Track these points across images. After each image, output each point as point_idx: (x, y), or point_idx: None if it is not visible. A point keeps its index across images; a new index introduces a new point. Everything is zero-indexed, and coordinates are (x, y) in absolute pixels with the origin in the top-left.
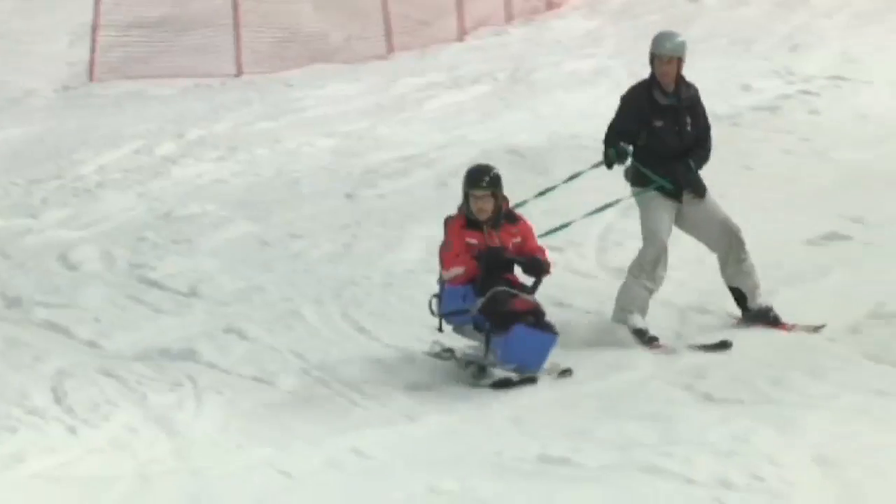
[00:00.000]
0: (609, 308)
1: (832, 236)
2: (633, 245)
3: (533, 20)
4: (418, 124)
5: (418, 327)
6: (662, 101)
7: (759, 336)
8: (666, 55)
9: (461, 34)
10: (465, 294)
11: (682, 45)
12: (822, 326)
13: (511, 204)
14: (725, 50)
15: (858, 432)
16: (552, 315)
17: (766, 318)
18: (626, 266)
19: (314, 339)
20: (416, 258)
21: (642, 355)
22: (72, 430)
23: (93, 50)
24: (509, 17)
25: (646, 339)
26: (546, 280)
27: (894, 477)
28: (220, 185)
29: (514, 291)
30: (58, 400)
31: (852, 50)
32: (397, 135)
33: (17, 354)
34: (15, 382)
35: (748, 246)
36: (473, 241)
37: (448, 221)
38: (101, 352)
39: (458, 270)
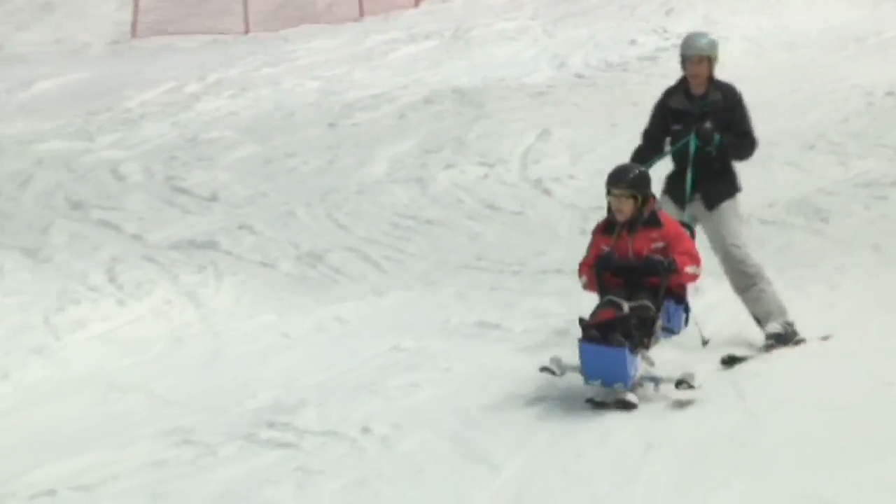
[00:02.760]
0: (531, 211)
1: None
2: (548, 162)
3: None
4: (383, 70)
5: (384, 224)
6: (679, 105)
7: None
8: (696, 55)
9: (417, 2)
10: None
11: (712, 44)
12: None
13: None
14: (616, 14)
15: None
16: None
17: (772, 342)
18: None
19: (305, 232)
20: (383, 171)
21: (557, 246)
22: (121, 303)
23: (135, 12)
24: None
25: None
26: (481, 188)
27: None
28: (232, 116)
29: (617, 301)
30: (111, 280)
31: (713, 13)
32: (367, 78)
33: (79, 245)
34: (78, 266)
35: (754, 271)
36: (608, 247)
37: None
38: (144, 243)
39: (584, 280)
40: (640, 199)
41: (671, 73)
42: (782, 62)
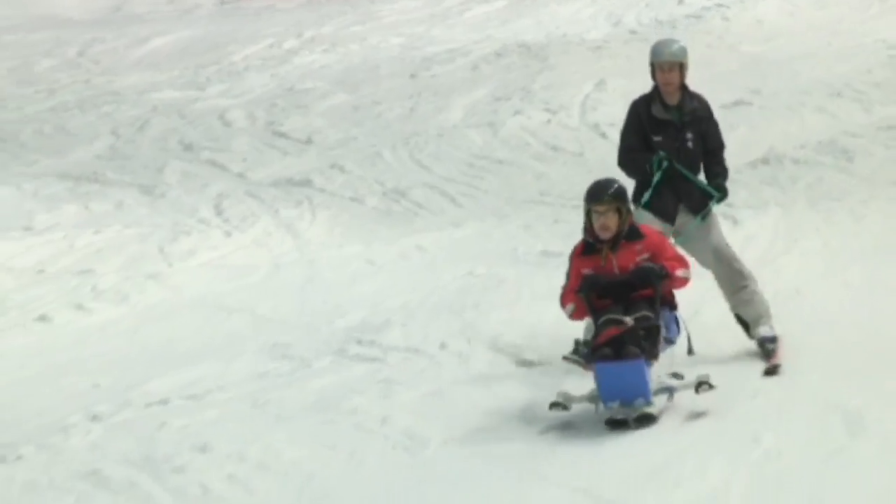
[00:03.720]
0: (589, 152)
1: (739, 102)
2: (604, 109)
3: None
4: (459, 28)
5: (460, 164)
6: (661, 115)
7: None
8: (667, 62)
9: None
10: None
11: (683, 50)
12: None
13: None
14: None
15: None
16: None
17: (761, 349)
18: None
19: (390, 171)
20: (458, 117)
21: None
22: (227, 234)
23: None
24: None
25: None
26: (545, 132)
27: None
28: (325, 68)
29: (617, 317)
30: (218, 213)
31: None
32: (444, 35)
33: (190, 183)
34: (189, 202)
35: (747, 271)
36: (589, 270)
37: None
38: (247, 180)
39: (570, 308)
40: (624, 211)
41: (713, 29)
42: (815, 19)
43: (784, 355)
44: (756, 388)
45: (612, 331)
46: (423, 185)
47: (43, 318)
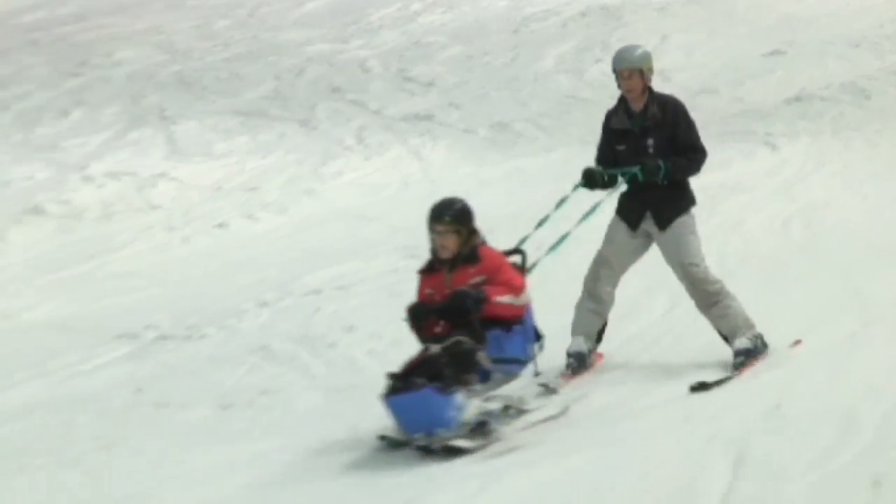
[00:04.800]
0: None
1: (775, 52)
2: (667, 58)
3: None
4: None
5: (552, 102)
6: (618, 125)
7: None
8: (626, 69)
9: None
10: None
11: (643, 57)
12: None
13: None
14: None
15: None
16: None
17: (733, 360)
18: (664, 68)
19: (496, 108)
20: (551, 65)
21: None
22: (367, 158)
23: None
24: None
25: (568, 363)
26: None
27: None
28: (444, 26)
29: (429, 345)
30: (359, 142)
31: None
32: None
33: (337, 118)
34: (336, 133)
35: (716, 288)
36: (430, 290)
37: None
38: (382, 116)
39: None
40: (464, 233)
41: None
42: None
43: (757, 369)
44: (794, 280)
45: (416, 360)
46: (522, 120)
47: (221, 226)
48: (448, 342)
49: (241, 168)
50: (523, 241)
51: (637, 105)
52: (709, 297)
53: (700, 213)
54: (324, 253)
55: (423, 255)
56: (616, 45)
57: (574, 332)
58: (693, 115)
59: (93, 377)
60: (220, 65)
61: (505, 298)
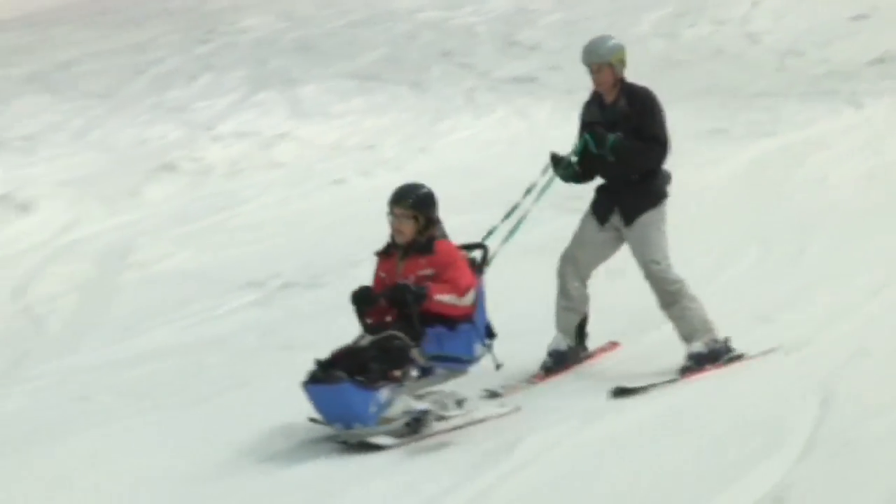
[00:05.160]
0: (748, 52)
1: (861, 16)
2: (757, 22)
3: None
4: None
5: (648, 64)
6: (589, 117)
7: None
8: (594, 64)
9: None
10: None
11: (611, 50)
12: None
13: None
14: None
15: None
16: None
17: (690, 365)
18: (755, 31)
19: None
20: (645, 29)
21: (763, 74)
22: (476, 117)
23: None
24: None
25: (543, 362)
26: (714, 39)
27: None
28: None
29: (363, 335)
30: (469, 102)
31: None
32: None
33: (447, 79)
34: (447, 93)
35: (676, 288)
36: (385, 274)
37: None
38: (490, 78)
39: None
40: (421, 220)
41: None
42: None
43: (706, 376)
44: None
45: (340, 351)
46: None
47: (339, 182)
48: (380, 336)
49: (358, 128)
50: (490, 232)
51: (609, 98)
52: (668, 297)
53: (785, 169)
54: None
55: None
56: (710, 11)
57: (556, 329)
58: (780, 75)
59: (222, 322)
60: (337, 31)
61: (446, 298)
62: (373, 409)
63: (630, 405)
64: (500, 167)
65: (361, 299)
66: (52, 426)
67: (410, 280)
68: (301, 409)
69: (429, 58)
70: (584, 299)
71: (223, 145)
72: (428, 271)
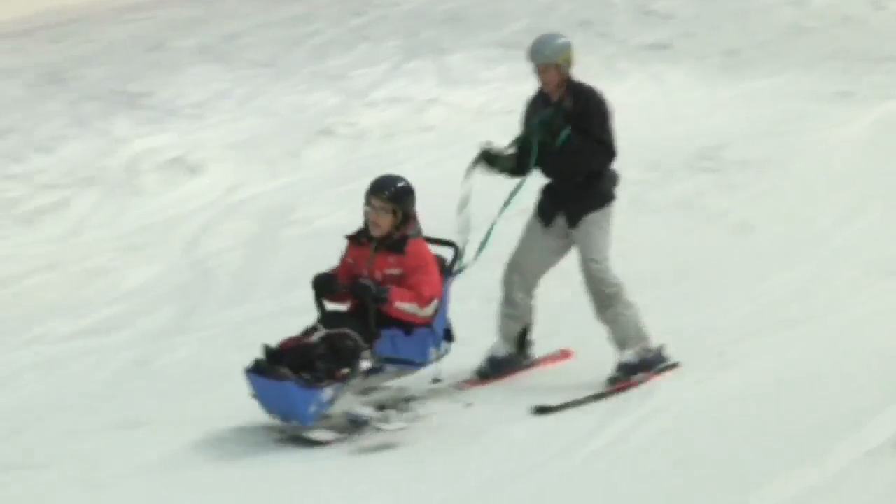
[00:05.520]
0: (871, 19)
1: None
2: None
3: None
4: None
5: (776, 32)
6: (531, 115)
7: None
8: (540, 64)
9: None
10: None
11: (557, 50)
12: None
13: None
14: None
15: None
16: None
17: (618, 376)
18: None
19: (726, 37)
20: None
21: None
22: (613, 83)
23: None
24: None
25: (480, 368)
26: (837, 7)
27: None
28: None
29: (317, 326)
30: (607, 69)
31: None
32: None
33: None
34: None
35: (613, 291)
36: (353, 261)
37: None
38: (627, 45)
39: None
40: (399, 215)
41: None
42: None
43: (636, 388)
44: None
45: (295, 340)
46: (750, 47)
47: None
48: (333, 332)
49: (502, 93)
50: (488, 235)
51: (555, 96)
52: (604, 300)
53: None
54: None
55: (665, 170)
56: None
57: (497, 335)
58: None
59: None
60: (484, 2)
61: (407, 306)
62: (313, 408)
63: (741, 365)
64: (636, 129)
65: (322, 286)
66: (221, 371)
67: (378, 277)
68: None
69: (568, 27)
70: (529, 310)
71: (377, 111)
72: (396, 271)
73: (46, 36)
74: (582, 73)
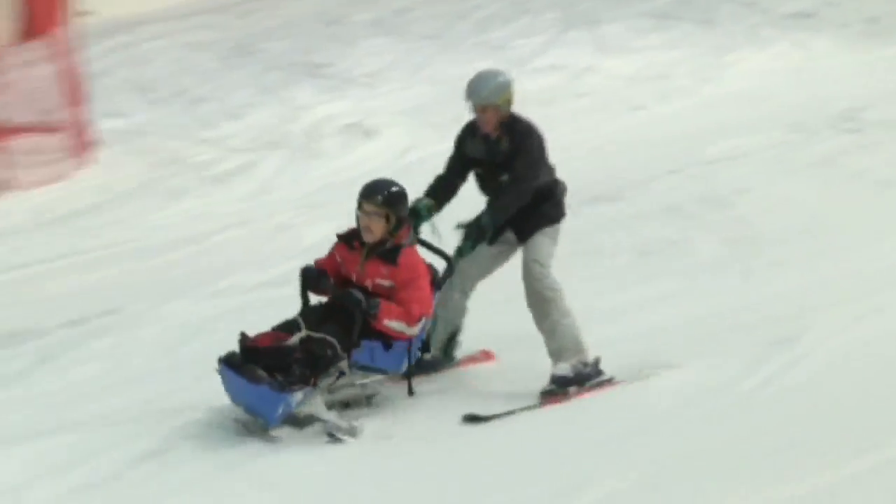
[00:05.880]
0: None
1: None
2: None
3: None
4: None
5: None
6: (473, 152)
7: None
8: (477, 105)
9: None
10: None
11: (495, 91)
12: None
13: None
14: None
15: None
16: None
17: (552, 389)
18: None
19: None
20: None
21: None
22: (759, 50)
23: None
24: None
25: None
26: None
27: None
28: None
29: (300, 323)
30: (752, 37)
31: None
32: None
33: (735, 16)
34: (731, 30)
35: (550, 295)
36: (342, 260)
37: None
38: (771, 14)
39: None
40: (392, 220)
41: None
42: None
43: (569, 402)
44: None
45: (273, 337)
46: (889, 14)
47: (639, 108)
48: (314, 337)
49: (654, 61)
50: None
51: (493, 135)
52: (542, 305)
53: None
54: (723, 128)
55: (809, 130)
56: None
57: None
58: None
59: None
60: None
61: (395, 324)
62: (280, 411)
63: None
64: (781, 93)
65: (309, 281)
66: None
67: (368, 285)
68: (591, 308)
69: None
70: (461, 312)
71: (538, 78)
72: (387, 283)
73: (235, 12)
74: (729, 41)
